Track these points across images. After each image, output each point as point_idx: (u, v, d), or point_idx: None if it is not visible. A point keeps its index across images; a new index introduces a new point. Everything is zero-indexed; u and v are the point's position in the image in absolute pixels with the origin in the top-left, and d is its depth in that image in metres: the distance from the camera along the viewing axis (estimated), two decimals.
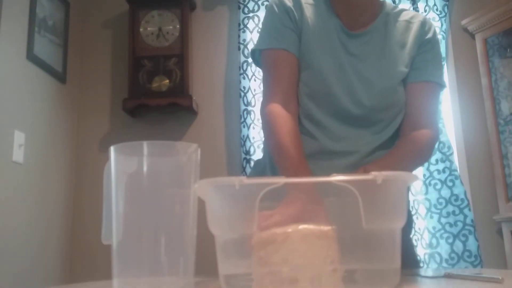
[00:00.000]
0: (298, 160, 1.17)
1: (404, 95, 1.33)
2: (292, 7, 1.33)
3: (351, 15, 1.34)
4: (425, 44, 1.35)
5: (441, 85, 1.37)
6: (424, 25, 1.37)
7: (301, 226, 0.70)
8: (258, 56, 1.38)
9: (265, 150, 1.48)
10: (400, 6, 2.84)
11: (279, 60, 1.30)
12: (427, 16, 2.90)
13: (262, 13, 2.74)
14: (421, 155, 1.30)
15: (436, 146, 2.71)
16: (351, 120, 1.29)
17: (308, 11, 1.34)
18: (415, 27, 1.36)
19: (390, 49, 1.33)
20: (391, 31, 1.35)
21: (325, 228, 0.70)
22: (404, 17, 1.38)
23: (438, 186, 2.70)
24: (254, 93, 2.87)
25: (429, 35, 1.36)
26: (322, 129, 1.29)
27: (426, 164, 2.74)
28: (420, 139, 1.28)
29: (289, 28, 1.31)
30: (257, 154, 2.80)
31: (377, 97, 1.29)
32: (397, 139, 1.34)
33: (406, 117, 1.33)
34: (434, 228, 2.69)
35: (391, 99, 1.30)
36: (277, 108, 1.25)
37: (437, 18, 2.91)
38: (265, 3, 2.95)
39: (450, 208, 2.67)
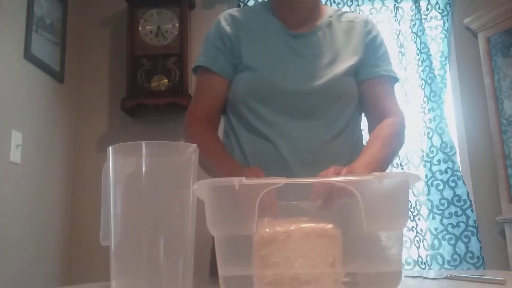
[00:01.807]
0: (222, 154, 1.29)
1: (353, 88, 1.39)
2: (227, 26, 1.43)
3: (294, 19, 1.42)
4: (373, 42, 1.44)
5: (395, 78, 1.45)
6: (367, 24, 1.45)
7: (303, 225, 0.70)
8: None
9: None
10: (402, 5, 2.89)
11: (207, 79, 1.41)
12: (430, 15, 2.90)
13: None
14: (393, 143, 1.32)
15: (439, 146, 2.71)
16: (301, 114, 1.34)
17: (246, 25, 1.43)
18: (358, 26, 1.44)
19: (335, 46, 1.40)
20: (335, 31, 1.43)
21: (327, 226, 0.69)
22: (347, 18, 1.47)
23: (441, 187, 2.69)
24: None
25: (374, 33, 1.45)
26: (273, 128, 1.34)
27: (428, 165, 2.74)
28: (388, 128, 1.32)
29: (220, 50, 1.41)
30: None
31: (324, 88, 1.34)
32: (369, 135, 1.39)
33: (371, 113, 1.42)
34: (436, 229, 2.68)
35: (338, 90, 1.36)
36: (198, 126, 1.36)
37: (439, 16, 2.91)
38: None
39: (453, 209, 2.66)
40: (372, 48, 1.43)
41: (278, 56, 1.37)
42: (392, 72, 1.44)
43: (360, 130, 1.47)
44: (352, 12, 1.56)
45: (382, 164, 1.22)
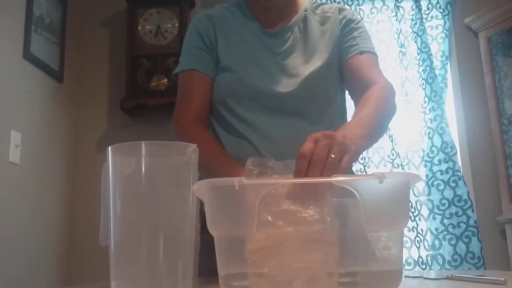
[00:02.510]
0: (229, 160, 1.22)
1: (332, 83, 1.36)
2: (204, 26, 1.41)
3: (270, 17, 1.40)
4: (348, 24, 1.40)
5: (376, 55, 1.40)
6: (342, 11, 1.43)
7: (295, 230, 0.70)
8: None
9: None
10: (403, 4, 2.89)
11: (191, 80, 1.38)
12: (431, 14, 2.90)
13: None
14: (384, 106, 1.23)
15: (439, 146, 2.71)
16: (280, 114, 1.31)
17: (222, 25, 1.41)
18: (333, 15, 1.42)
19: (311, 40, 1.38)
20: (310, 25, 1.40)
21: (321, 231, 0.69)
22: (322, 10, 1.44)
23: (441, 187, 2.69)
24: None
25: (349, 16, 1.42)
26: (252, 129, 1.31)
27: (428, 165, 2.73)
28: (377, 92, 1.24)
29: (200, 48, 1.39)
30: None
31: (301, 85, 1.31)
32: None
33: (355, 87, 1.36)
34: (437, 229, 2.67)
35: (315, 86, 1.33)
36: (194, 129, 1.31)
37: (440, 16, 2.91)
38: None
39: (453, 209, 2.66)
40: (348, 30, 1.39)
41: (254, 56, 1.36)
42: (372, 49, 1.39)
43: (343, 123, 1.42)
44: (328, 3, 1.52)
45: (375, 126, 1.13)
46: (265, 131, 1.30)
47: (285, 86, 1.32)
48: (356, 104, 1.32)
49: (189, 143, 1.25)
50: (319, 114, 1.33)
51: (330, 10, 1.43)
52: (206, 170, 1.20)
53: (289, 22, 1.40)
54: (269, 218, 0.71)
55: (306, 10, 1.43)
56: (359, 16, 1.46)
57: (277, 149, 1.28)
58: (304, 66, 1.34)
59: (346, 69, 1.37)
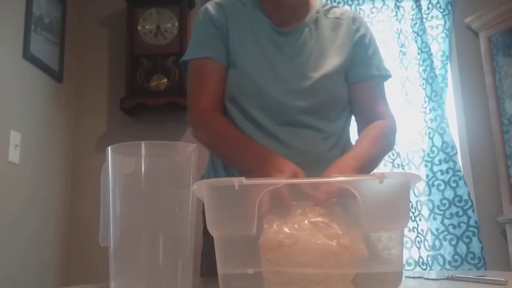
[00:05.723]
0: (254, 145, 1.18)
1: (340, 89, 1.34)
2: (217, 14, 1.35)
3: (282, 14, 1.35)
4: (361, 40, 1.37)
5: (386, 76, 1.39)
6: (355, 21, 1.39)
7: (309, 233, 0.69)
8: (186, 67, 1.39)
9: (208, 165, 1.44)
10: (403, 4, 2.88)
11: (205, 68, 1.32)
12: (431, 14, 2.90)
13: None
14: (381, 143, 1.25)
15: (440, 146, 2.70)
16: (294, 121, 1.28)
17: (234, 16, 1.36)
18: (345, 23, 1.38)
19: (321, 44, 1.35)
20: (321, 27, 1.37)
21: (336, 236, 0.69)
22: (333, 14, 1.40)
23: (442, 187, 2.68)
24: None
25: (362, 30, 1.39)
26: (264, 133, 1.28)
27: (429, 165, 2.73)
28: (377, 129, 1.27)
29: (214, 36, 1.33)
30: None
31: (313, 90, 1.29)
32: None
33: (361, 116, 1.36)
34: (437, 229, 2.67)
35: (327, 92, 1.30)
36: (213, 119, 1.27)
37: (440, 16, 2.91)
38: None
39: (454, 209, 2.65)
40: (361, 47, 1.37)
41: (265, 54, 1.31)
42: (384, 70, 1.38)
43: (349, 133, 1.41)
44: (340, 7, 1.49)
45: (369, 162, 1.16)
46: (273, 132, 1.27)
47: (297, 90, 1.28)
48: (358, 131, 1.35)
49: (205, 129, 1.24)
50: (330, 120, 1.32)
51: (343, 17, 1.39)
52: (224, 158, 1.25)
53: (300, 22, 1.36)
54: (279, 220, 0.71)
55: (318, 12, 1.38)
56: (368, 26, 1.44)
57: (285, 150, 1.24)
58: (314, 69, 1.31)
59: (355, 93, 1.36)
